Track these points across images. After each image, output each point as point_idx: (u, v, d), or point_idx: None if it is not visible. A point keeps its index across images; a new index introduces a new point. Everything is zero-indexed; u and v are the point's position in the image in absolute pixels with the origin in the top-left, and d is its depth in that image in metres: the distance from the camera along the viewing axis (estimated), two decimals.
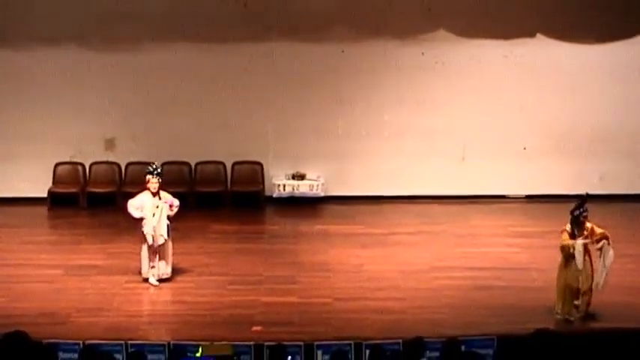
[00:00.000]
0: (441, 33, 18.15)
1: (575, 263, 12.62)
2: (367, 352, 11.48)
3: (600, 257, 12.64)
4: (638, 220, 16.33)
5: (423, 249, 15.77)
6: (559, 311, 12.88)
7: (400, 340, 11.27)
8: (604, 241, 12.60)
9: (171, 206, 14.11)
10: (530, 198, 18.38)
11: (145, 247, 14.08)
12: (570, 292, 12.80)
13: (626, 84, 18.32)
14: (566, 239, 12.68)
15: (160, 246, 14.04)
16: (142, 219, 13.97)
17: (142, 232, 13.97)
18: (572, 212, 12.75)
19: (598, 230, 12.71)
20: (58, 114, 18.00)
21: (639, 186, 18.12)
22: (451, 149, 18.40)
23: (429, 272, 14.71)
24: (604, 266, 12.61)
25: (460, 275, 14.51)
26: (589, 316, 12.73)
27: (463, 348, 10.11)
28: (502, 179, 18.42)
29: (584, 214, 12.67)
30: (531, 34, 18.16)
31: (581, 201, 12.79)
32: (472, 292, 13.92)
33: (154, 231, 13.93)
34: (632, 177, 18.17)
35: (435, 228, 16.85)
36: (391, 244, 16.04)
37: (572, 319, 12.77)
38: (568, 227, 12.73)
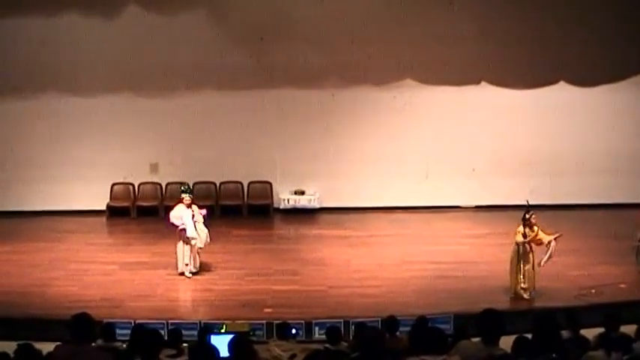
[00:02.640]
0: (408, 81, 18.16)
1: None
2: (353, 327, 11.47)
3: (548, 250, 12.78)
4: (559, 224, 16.28)
5: (396, 247, 15.73)
6: (516, 292, 12.91)
7: (379, 318, 11.25)
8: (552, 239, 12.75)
9: (203, 217, 14.07)
10: (478, 208, 18.36)
11: (179, 247, 14.03)
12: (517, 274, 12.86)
13: (548, 120, 18.34)
14: (543, 236, 12.87)
15: (194, 246, 14.01)
16: (179, 226, 13.95)
17: (182, 235, 13.92)
18: (523, 217, 12.79)
19: (545, 233, 12.85)
20: (114, 145, 17.97)
21: (560, 197, 18.08)
22: (417, 170, 18.38)
23: (400, 265, 14.69)
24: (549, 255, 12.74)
25: (425, 267, 14.49)
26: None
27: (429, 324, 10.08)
28: (456, 193, 18.40)
29: (534, 215, 12.72)
30: (477, 82, 18.18)
31: (526, 208, 12.84)
32: (434, 280, 13.91)
33: (199, 235, 13.89)
34: (553, 191, 18.14)
35: (405, 231, 16.83)
36: (372, 244, 16.00)
37: (526, 297, 12.79)
38: (521, 230, 12.77)
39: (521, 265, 12.86)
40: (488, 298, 12.66)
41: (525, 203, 13.07)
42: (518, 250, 12.84)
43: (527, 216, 12.78)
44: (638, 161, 18.32)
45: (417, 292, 13.37)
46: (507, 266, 13.04)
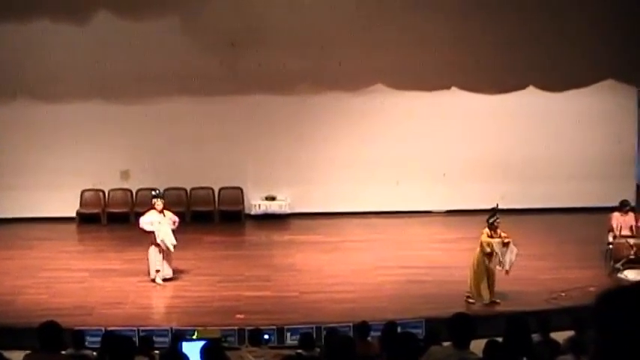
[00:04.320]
0: (380, 86, 18.22)
1: (493, 259, 12.70)
2: (325, 333, 11.47)
3: (507, 252, 12.73)
4: (530, 228, 16.42)
5: (368, 252, 15.75)
6: (476, 297, 12.88)
7: (351, 324, 11.27)
8: (509, 240, 12.73)
9: (174, 222, 14.07)
10: (449, 212, 18.43)
11: (152, 253, 13.98)
12: (485, 281, 12.85)
13: (519, 124, 18.46)
14: (486, 239, 12.73)
15: (166, 252, 13.96)
16: (152, 231, 13.90)
17: (152, 241, 13.89)
18: (488, 220, 12.83)
19: (503, 234, 12.84)
20: (84, 152, 17.88)
21: (530, 202, 18.21)
22: (388, 175, 18.42)
23: (373, 270, 14.71)
24: (511, 259, 12.71)
25: (397, 272, 14.52)
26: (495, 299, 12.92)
27: (399, 329, 10.10)
28: (428, 198, 18.46)
29: (498, 220, 12.78)
30: (448, 87, 18.26)
31: (494, 211, 12.89)
32: (406, 285, 13.94)
33: (165, 241, 13.85)
34: (524, 195, 18.26)
35: (378, 236, 16.84)
36: (344, 250, 16.01)
37: (486, 302, 12.80)
38: (487, 231, 12.80)
39: (488, 271, 12.87)
40: (460, 302, 12.77)
41: (495, 206, 13.09)
42: (483, 255, 12.84)
43: (491, 220, 12.81)
44: (608, 165, 18.49)
45: (390, 297, 13.39)
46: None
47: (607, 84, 18.43)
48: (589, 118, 18.61)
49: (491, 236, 12.79)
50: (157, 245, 13.88)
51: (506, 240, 12.78)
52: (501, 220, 12.93)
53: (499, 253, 12.71)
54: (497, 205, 13.15)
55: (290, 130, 18.18)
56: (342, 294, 13.54)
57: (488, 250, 12.72)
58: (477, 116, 18.39)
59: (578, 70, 18.18)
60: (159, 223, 13.86)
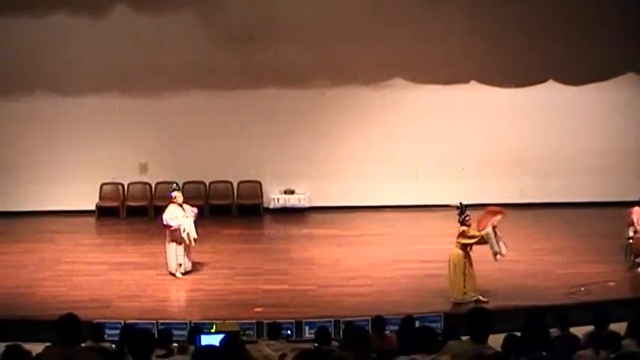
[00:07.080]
0: (398, 80, 18.17)
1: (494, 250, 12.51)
2: (343, 327, 11.47)
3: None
4: (548, 223, 16.35)
5: (385, 246, 15.73)
6: (460, 297, 12.73)
7: (369, 318, 11.26)
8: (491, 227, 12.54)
9: (195, 214, 14.07)
10: (467, 207, 18.34)
11: (171, 247, 14.00)
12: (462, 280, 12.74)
13: (537, 119, 18.36)
14: (478, 232, 12.58)
15: (186, 245, 13.99)
16: (171, 226, 13.90)
17: (171, 236, 13.92)
18: (459, 220, 12.68)
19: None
20: (103, 146, 17.92)
21: (548, 196, 18.14)
22: (407, 169, 18.39)
23: (390, 264, 14.70)
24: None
25: (414, 266, 14.49)
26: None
27: (417, 323, 10.10)
28: (446, 192, 18.25)
29: (468, 217, 12.64)
30: (466, 81, 18.20)
31: (462, 209, 12.73)
32: (423, 279, 13.90)
33: (190, 234, 13.86)
34: (542, 190, 18.20)
35: (395, 230, 16.82)
36: (361, 243, 16.00)
37: (474, 298, 12.65)
38: (465, 229, 12.63)
39: (466, 269, 12.73)
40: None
41: (459, 205, 12.92)
42: (464, 254, 12.73)
43: (460, 219, 12.67)
44: (627, 159, 18.38)
45: (407, 291, 13.37)
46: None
47: (626, 78, 18.33)
48: (608, 112, 18.50)
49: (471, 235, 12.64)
50: (176, 240, 13.90)
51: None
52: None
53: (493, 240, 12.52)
54: (461, 203, 12.90)
55: (308, 124, 18.17)
56: (359, 288, 13.53)
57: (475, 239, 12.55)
58: (496, 110, 18.31)
59: (597, 64, 18.07)
60: (184, 217, 13.87)
